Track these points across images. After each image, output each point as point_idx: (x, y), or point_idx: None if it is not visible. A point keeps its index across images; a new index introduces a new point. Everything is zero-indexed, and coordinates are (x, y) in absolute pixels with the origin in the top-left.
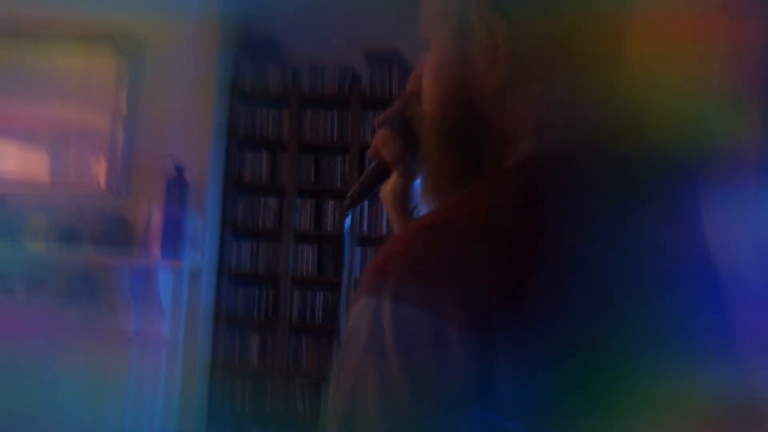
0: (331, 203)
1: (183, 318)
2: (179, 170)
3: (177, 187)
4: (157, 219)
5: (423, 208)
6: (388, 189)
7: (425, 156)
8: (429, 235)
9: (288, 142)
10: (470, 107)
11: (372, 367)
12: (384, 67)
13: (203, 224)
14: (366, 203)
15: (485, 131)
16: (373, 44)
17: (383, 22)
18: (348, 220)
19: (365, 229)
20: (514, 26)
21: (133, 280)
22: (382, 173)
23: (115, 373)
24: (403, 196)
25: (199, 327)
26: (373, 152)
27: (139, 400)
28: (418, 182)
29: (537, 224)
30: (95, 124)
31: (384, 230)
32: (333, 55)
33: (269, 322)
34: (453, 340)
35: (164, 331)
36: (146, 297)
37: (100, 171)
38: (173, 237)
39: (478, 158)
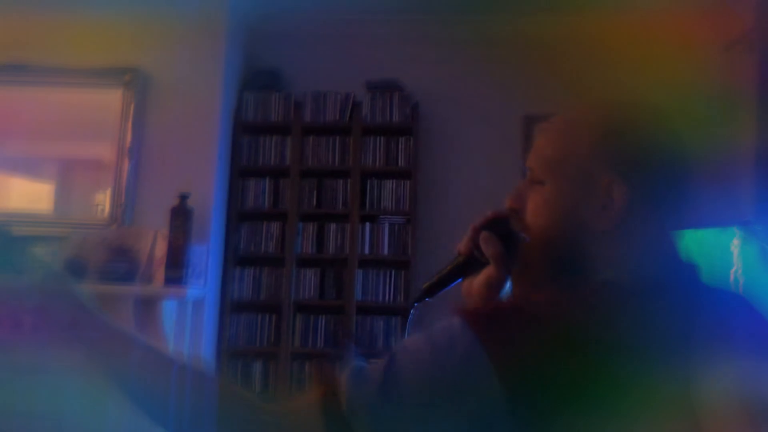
0: (333, 226)
1: (186, 346)
2: (183, 199)
3: (181, 216)
4: (161, 248)
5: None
6: (481, 280)
7: (525, 264)
8: (515, 313)
9: (291, 169)
10: (575, 243)
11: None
12: (384, 95)
13: (206, 253)
14: (368, 227)
15: (582, 260)
16: (373, 73)
17: (383, 51)
18: (412, 312)
19: (366, 251)
20: (630, 184)
21: (136, 310)
22: (465, 269)
23: (119, 406)
24: (497, 288)
25: (202, 356)
26: (466, 249)
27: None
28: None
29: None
30: (101, 155)
31: (384, 252)
32: (334, 84)
33: (272, 348)
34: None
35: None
36: (150, 326)
37: (105, 201)
38: (177, 266)
39: (568, 273)
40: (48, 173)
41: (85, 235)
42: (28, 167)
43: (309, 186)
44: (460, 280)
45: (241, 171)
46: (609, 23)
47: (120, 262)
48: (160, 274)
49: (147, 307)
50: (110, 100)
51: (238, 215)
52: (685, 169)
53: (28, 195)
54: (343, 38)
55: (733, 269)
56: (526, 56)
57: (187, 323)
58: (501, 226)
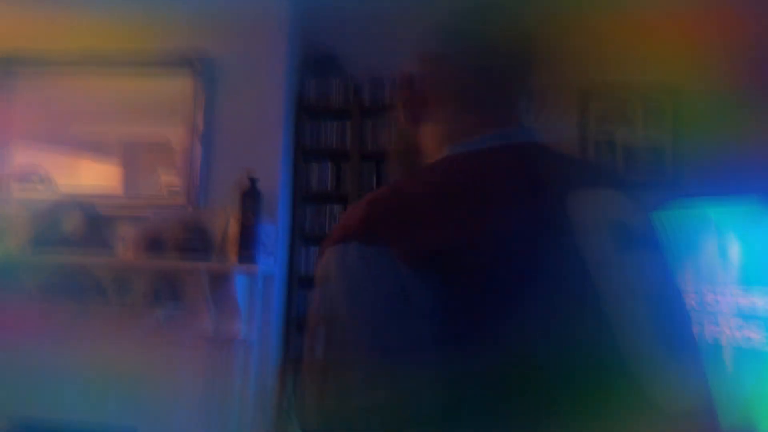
0: None
1: (257, 320)
2: (252, 182)
3: (251, 197)
4: (233, 227)
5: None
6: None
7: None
8: (380, 200)
9: (350, 152)
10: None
11: (342, 299)
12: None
13: (275, 231)
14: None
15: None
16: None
17: (435, 28)
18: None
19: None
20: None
21: (211, 285)
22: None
23: (193, 371)
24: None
25: (271, 329)
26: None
27: (215, 397)
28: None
29: (452, 200)
30: (176, 141)
31: None
32: (392, 67)
33: None
34: (403, 273)
35: (240, 331)
36: (223, 300)
37: (180, 184)
38: (248, 244)
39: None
40: (131, 159)
41: (163, 215)
42: (101, 150)
43: (368, 169)
44: None
45: (305, 154)
46: None
47: (196, 241)
48: (232, 251)
49: (221, 282)
50: (181, 86)
51: (302, 197)
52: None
53: (115, 179)
54: (402, 21)
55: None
56: (581, 28)
57: (258, 298)
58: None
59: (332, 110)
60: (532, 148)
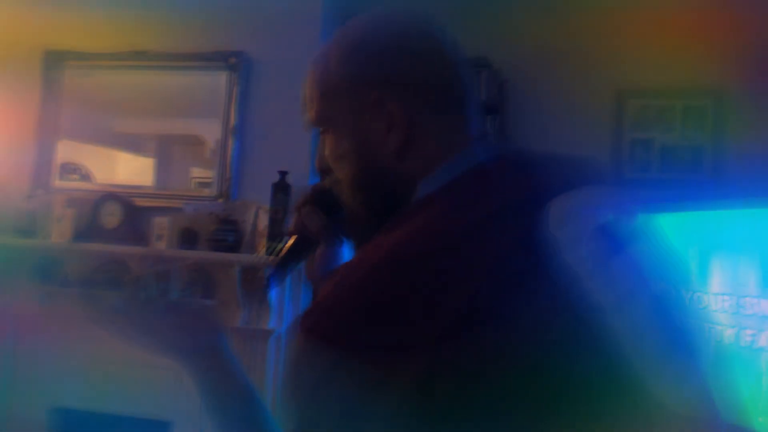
0: None
1: (287, 312)
2: (283, 176)
3: (281, 191)
4: (263, 221)
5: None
6: (317, 259)
7: (350, 211)
8: (348, 289)
9: None
10: (376, 166)
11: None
12: (471, 74)
13: None
14: None
15: (390, 181)
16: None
17: (470, 29)
18: (271, 295)
19: None
20: (405, 102)
21: (242, 277)
22: (300, 249)
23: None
24: (334, 261)
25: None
26: (295, 229)
27: None
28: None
29: (439, 263)
30: (210, 135)
31: None
32: None
33: None
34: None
35: (270, 323)
36: (254, 292)
37: (214, 177)
38: (278, 237)
39: (390, 201)
40: (166, 152)
41: (196, 208)
42: (136, 144)
43: None
44: (301, 262)
45: None
46: None
47: (228, 233)
48: (263, 244)
49: (252, 274)
50: (217, 81)
51: None
52: (456, 72)
53: (149, 173)
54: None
55: None
56: (617, 29)
57: (287, 290)
58: (324, 197)
59: None
60: (493, 170)
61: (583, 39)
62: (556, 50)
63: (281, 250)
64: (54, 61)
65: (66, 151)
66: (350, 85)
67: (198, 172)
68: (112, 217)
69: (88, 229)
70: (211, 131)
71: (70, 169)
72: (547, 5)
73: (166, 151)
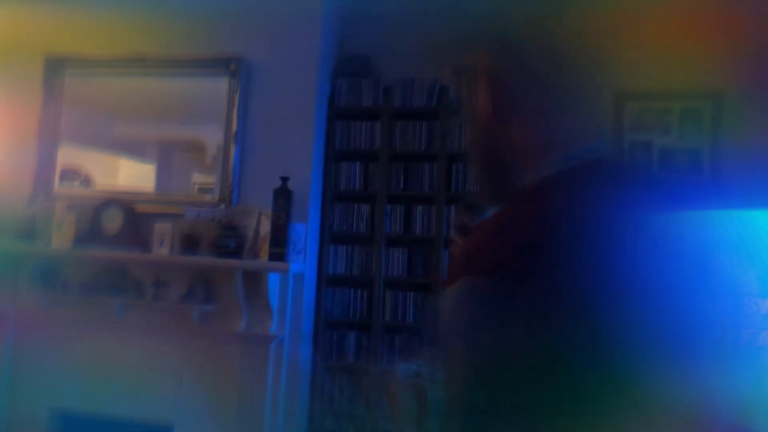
0: (419, 208)
1: (288, 317)
2: (284, 181)
3: (282, 196)
4: (265, 226)
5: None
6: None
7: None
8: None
9: (380, 153)
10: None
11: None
12: (471, 79)
13: (305, 230)
14: (454, 209)
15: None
16: (459, 58)
17: (469, 36)
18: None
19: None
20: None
21: (244, 282)
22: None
23: (226, 366)
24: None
25: (302, 325)
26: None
27: (248, 393)
28: None
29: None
30: (211, 141)
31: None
32: (422, 69)
33: (364, 321)
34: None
35: (271, 328)
36: (256, 298)
37: (215, 183)
38: (279, 242)
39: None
40: (167, 158)
41: (197, 213)
42: (137, 149)
43: (396, 169)
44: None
45: (335, 154)
46: None
47: (229, 239)
48: (264, 249)
49: (254, 279)
50: (217, 87)
51: (332, 196)
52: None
53: (150, 178)
54: (429, 23)
55: None
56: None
57: (289, 295)
58: None
59: (363, 111)
60: (612, 167)
61: (581, 42)
62: (553, 53)
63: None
64: (55, 66)
65: (67, 156)
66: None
67: (199, 178)
68: (112, 222)
69: (89, 235)
70: (212, 137)
71: (71, 175)
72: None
73: (167, 156)
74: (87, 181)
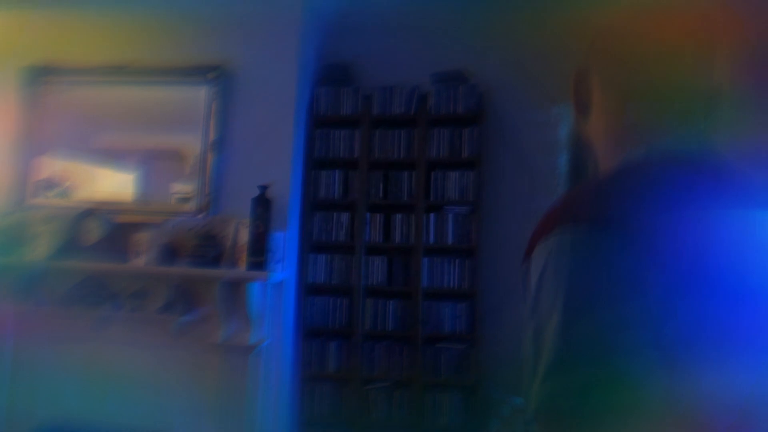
0: (399, 216)
1: (267, 326)
2: (263, 190)
3: (262, 205)
4: (243, 235)
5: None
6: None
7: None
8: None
9: (359, 161)
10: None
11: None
12: (449, 87)
13: (285, 239)
14: (433, 217)
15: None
16: (439, 65)
17: (448, 44)
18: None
19: (431, 240)
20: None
21: (223, 292)
22: None
23: (205, 378)
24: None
25: (281, 335)
26: None
27: (229, 403)
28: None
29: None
30: (190, 150)
31: (449, 241)
32: (401, 77)
33: (345, 329)
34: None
35: (251, 338)
36: (235, 307)
37: (194, 192)
38: (259, 251)
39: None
40: (145, 166)
41: (176, 223)
42: (116, 159)
43: (376, 177)
44: None
45: (314, 162)
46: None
47: (208, 248)
48: (243, 258)
49: (233, 289)
50: (196, 96)
51: (312, 204)
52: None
53: (127, 187)
54: (409, 32)
55: None
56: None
57: (269, 304)
58: None
59: (342, 119)
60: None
61: (559, 54)
62: (534, 60)
63: None
64: (34, 75)
65: (45, 166)
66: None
67: (179, 187)
68: (91, 233)
69: (67, 246)
70: (192, 146)
71: (49, 185)
72: (525, 18)
73: (147, 165)
74: (66, 191)
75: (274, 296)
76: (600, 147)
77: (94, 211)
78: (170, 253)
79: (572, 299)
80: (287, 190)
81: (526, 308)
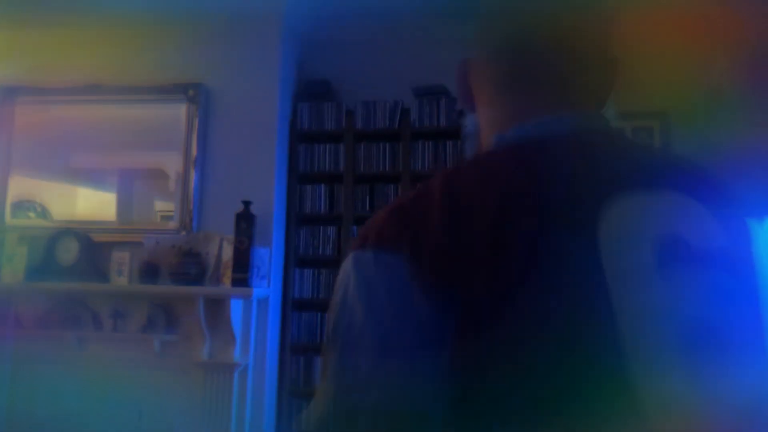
0: None
1: (252, 343)
2: (247, 206)
3: (245, 221)
4: (227, 251)
5: None
6: None
7: None
8: (390, 212)
9: (344, 175)
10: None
11: (354, 309)
12: (431, 101)
13: (269, 255)
14: None
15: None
16: (420, 80)
17: (429, 58)
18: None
19: None
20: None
21: (206, 309)
22: None
23: (189, 397)
24: None
25: (266, 352)
26: None
27: (212, 422)
28: None
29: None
30: (171, 167)
31: None
32: (383, 91)
33: None
34: (415, 288)
35: (235, 356)
36: (219, 324)
37: (175, 210)
38: (242, 267)
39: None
40: (115, 183)
41: (157, 241)
42: (96, 178)
43: (362, 191)
44: None
45: (298, 177)
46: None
47: (190, 265)
48: (227, 275)
49: (216, 306)
50: (176, 114)
51: (297, 219)
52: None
53: (107, 205)
54: (391, 47)
55: None
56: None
57: (253, 321)
58: None
59: (325, 134)
60: (581, 137)
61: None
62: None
63: None
64: (5, 96)
65: (21, 187)
66: None
67: (162, 205)
68: (68, 253)
69: (43, 267)
70: (173, 163)
71: (25, 206)
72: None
73: (128, 184)
74: (43, 212)
75: (258, 313)
76: (483, 139)
77: (70, 231)
78: (152, 271)
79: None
80: (271, 206)
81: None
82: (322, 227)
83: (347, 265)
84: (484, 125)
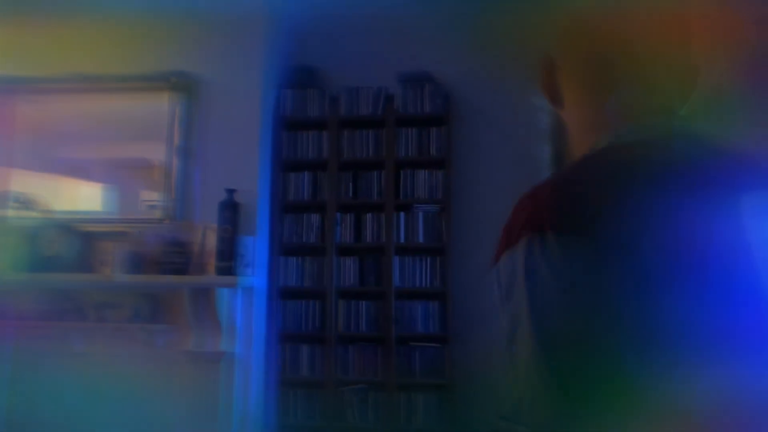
0: (369, 216)
1: (239, 332)
2: (230, 194)
3: (229, 209)
4: (211, 241)
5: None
6: None
7: None
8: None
9: (329, 162)
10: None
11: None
12: (416, 87)
13: (254, 243)
14: (403, 216)
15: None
16: (405, 66)
17: (414, 45)
18: None
19: (402, 239)
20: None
21: (192, 299)
22: None
23: (176, 386)
24: None
25: (253, 340)
26: None
27: (200, 411)
28: None
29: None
30: (156, 157)
31: (420, 239)
32: (368, 78)
33: (317, 332)
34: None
35: (222, 344)
36: (205, 313)
37: (161, 200)
38: (227, 256)
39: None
40: (110, 174)
41: (141, 231)
42: (81, 169)
43: (346, 178)
44: None
45: (282, 165)
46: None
47: (176, 255)
48: (212, 264)
49: (202, 295)
50: (159, 103)
51: (281, 207)
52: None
53: (93, 195)
54: (375, 34)
55: None
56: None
57: (239, 310)
58: None
59: (310, 121)
60: (675, 140)
61: (524, 54)
62: (499, 64)
63: None
64: None
65: (6, 180)
66: None
67: (148, 195)
68: (54, 244)
69: (29, 259)
70: (158, 153)
71: (11, 198)
72: (489, 22)
73: (114, 175)
74: (29, 204)
75: (244, 301)
76: (575, 136)
77: (55, 223)
78: (138, 261)
79: (543, 309)
80: (255, 194)
81: (498, 315)
82: (305, 215)
83: (527, 249)
84: (576, 123)
